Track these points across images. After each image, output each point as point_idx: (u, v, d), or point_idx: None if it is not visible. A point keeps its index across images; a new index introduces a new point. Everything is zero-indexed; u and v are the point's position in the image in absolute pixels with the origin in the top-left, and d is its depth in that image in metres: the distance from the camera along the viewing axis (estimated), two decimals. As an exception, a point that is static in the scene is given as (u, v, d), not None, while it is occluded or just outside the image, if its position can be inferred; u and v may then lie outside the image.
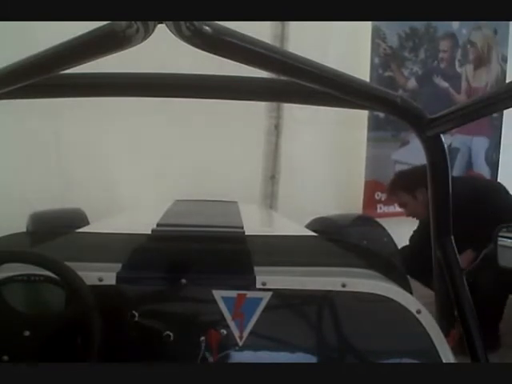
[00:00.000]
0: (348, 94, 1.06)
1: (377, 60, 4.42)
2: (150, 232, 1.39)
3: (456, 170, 4.92)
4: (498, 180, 5.11)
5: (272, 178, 4.19)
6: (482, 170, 5.15)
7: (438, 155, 1.23)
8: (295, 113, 4.01)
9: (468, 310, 1.26)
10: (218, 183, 3.66)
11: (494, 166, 5.19)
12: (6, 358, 1.13)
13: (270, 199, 4.19)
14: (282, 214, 3.65)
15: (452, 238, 1.31)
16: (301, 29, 3.70)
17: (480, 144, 5.12)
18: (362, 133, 4.42)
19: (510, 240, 1.34)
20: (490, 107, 1.04)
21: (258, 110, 3.92)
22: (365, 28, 4.28)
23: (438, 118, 1.15)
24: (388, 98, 1.12)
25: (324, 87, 1.00)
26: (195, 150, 3.79)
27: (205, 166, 3.82)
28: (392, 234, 2.59)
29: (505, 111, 4.49)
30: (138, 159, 3.71)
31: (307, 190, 4.19)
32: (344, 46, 4.15)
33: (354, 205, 4.42)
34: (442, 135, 1.20)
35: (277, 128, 4.13)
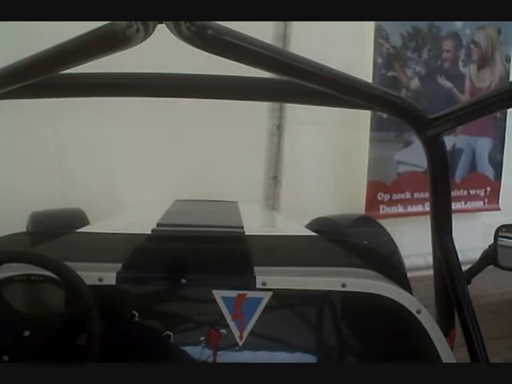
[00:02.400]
0: (348, 94, 1.06)
1: (380, 60, 4.41)
2: (150, 232, 1.39)
3: (460, 171, 4.92)
4: (502, 181, 5.12)
5: (274, 178, 4.19)
6: (486, 170, 5.15)
7: (438, 155, 1.23)
8: (297, 113, 4.00)
9: (468, 310, 1.26)
10: (219, 184, 3.65)
11: (497, 166, 5.19)
12: (5, 358, 1.13)
13: (272, 200, 4.18)
14: (282, 215, 3.64)
15: (452, 238, 1.31)
16: (303, 29, 3.70)
17: (484, 145, 5.12)
18: (365, 133, 4.42)
19: (510, 240, 1.34)
20: (490, 107, 1.04)
21: (260, 110, 3.91)
22: (368, 28, 4.27)
23: (438, 118, 1.15)
24: (388, 98, 1.12)
25: (324, 87, 1.00)
26: (196, 150, 3.78)
27: (206, 166, 3.82)
28: (395, 235, 2.58)
29: (510, 111, 4.50)
30: (139, 160, 3.70)
31: (310, 190, 4.18)
32: (347, 46, 4.14)
33: (357, 205, 4.41)
34: (442, 135, 1.20)
35: (279, 128, 4.13)
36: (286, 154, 4.17)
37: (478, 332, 1.24)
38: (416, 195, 4.66)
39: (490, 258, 1.38)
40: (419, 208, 4.60)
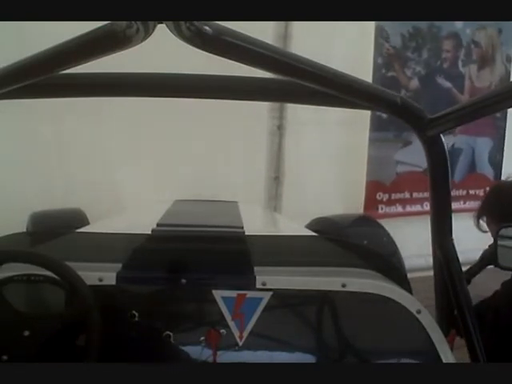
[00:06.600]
0: (348, 94, 1.06)
1: (380, 60, 4.42)
2: (150, 232, 1.39)
3: (459, 171, 4.92)
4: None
5: (276, 179, 4.18)
6: (486, 170, 5.16)
7: (438, 155, 1.23)
8: (298, 113, 4.00)
9: (468, 310, 1.26)
10: (221, 185, 3.64)
11: (497, 166, 5.20)
12: (5, 357, 1.13)
13: (274, 201, 4.17)
14: (282, 215, 3.64)
15: (452, 238, 1.31)
16: (304, 28, 3.70)
17: (483, 145, 5.13)
18: (365, 133, 4.42)
19: (510, 240, 1.34)
20: (490, 107, 1.04)
21: (261, 110, 3.91)
22: (368, 28, 4.27)
23: (438, 118, 1.15)
24: (388, 98, 1.12)
25: (324, 87, 1.00)
26: (196, 150, 3.77)
27: (208, 167, 3.81)
28: (393, 235, 2.59)
29: (510, 111, 4.50)
30: (138, 161, 3.70)
31: (311, 190, 4.17)
32: (347, 46, 4.13)
33: (356, 205, 4.41)
34: (442, 135, 1.20)
35: (280, 129, 4.12)
36: (288, 154, 4.16)
37: (477, 332, 1.24)
38: (415, 195, 4.66)
39: (489, 258, 1.38)
40: (418, 208, 4.61)
